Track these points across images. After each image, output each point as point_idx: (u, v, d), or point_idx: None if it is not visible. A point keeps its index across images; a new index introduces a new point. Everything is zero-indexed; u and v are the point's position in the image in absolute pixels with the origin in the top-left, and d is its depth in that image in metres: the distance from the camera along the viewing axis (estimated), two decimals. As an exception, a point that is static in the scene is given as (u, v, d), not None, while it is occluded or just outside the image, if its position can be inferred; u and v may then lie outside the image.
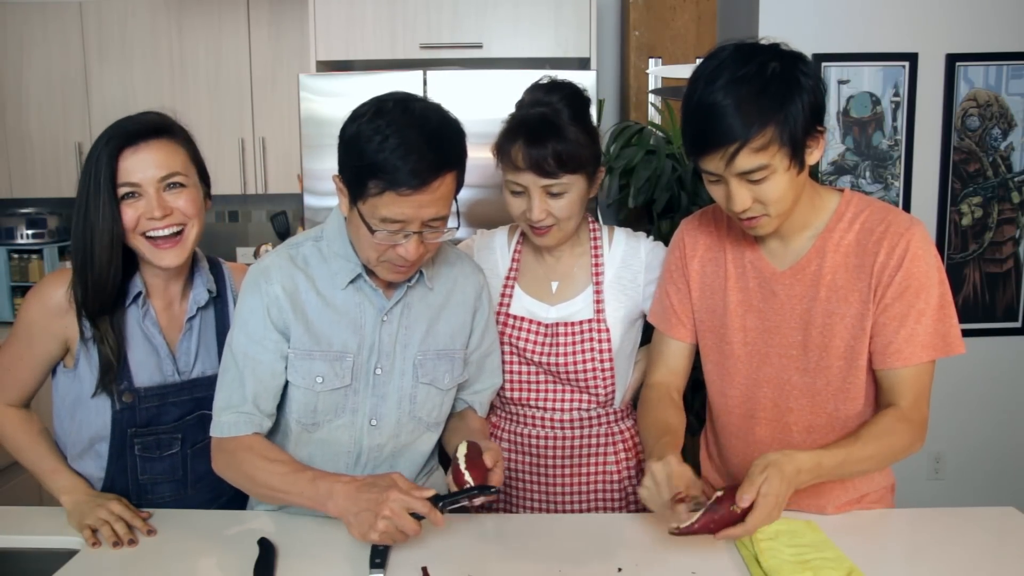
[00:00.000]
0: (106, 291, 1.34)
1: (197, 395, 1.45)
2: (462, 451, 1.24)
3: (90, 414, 1.40)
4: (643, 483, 1.20)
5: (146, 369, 1.41)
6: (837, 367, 1.32)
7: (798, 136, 1.18)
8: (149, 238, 1.36)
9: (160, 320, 1.43)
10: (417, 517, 1.16)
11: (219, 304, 1.52)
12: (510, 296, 1.60)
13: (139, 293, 1.40)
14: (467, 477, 1.21)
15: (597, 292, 1.56)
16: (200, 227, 1.41)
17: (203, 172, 1.44)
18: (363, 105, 1.25)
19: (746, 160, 1.18)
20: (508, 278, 1.61)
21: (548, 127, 1.41)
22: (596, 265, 1.58)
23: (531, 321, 1.56)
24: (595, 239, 1.60)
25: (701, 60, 1.25)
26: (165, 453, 1.44)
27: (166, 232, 1.35)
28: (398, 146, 1.17)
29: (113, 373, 1.37)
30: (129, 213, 1.33)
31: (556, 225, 1.47)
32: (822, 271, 1.31)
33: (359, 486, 1.21)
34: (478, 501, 1.21)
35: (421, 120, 1.21)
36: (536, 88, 1.49)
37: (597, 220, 1.64)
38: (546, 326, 1.55)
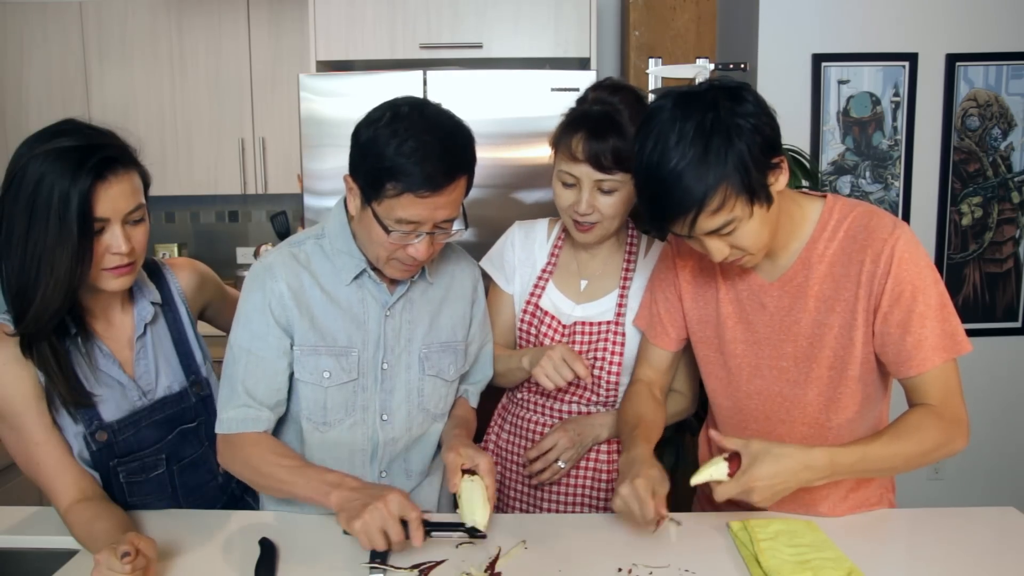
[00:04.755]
0: (45, 322, 1.24)
1: (169, 413, 1.40)
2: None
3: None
4: (619, 493, 1.20)
5: (111, 402, 1.34)
6: (827, 378, 1.32)
7: (753, 182, 1.15)
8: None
9: (108, 344, 1.35)
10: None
11: (168, 311, 1.46)
12: (542, 289, 1.62)
13: (77, 330, 1.31)
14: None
15: (622, 296, 1.58)
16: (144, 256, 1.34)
17: (147, 192, 1.33)
18: (377, 109, 1.28)
19: (707, 222, 1.17)
20: (544, 271, 1.63)
21: (610, 123, 1.43)
22: (626, 269, 1.60)
23: (553, 317, 1.59)
24: (631, 244, 1.61)
25: (643, 122, 1.21)
26: (151, 475, 1.40)
27: (122, 263, 1.28)
28: (416, 150, 1.21)
29: (75, 395, 1.28)
30: (95, 248, 1.24)
31: (600, 223, 1.49)
32: (809, 282, 1.30)
33: (366, 484, 1.25)
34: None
35: (436, 125, 1.25)
36: (599, 87, 1.52)
37: (636, 228, 1.65)
38: (565, 326, 1.58)
